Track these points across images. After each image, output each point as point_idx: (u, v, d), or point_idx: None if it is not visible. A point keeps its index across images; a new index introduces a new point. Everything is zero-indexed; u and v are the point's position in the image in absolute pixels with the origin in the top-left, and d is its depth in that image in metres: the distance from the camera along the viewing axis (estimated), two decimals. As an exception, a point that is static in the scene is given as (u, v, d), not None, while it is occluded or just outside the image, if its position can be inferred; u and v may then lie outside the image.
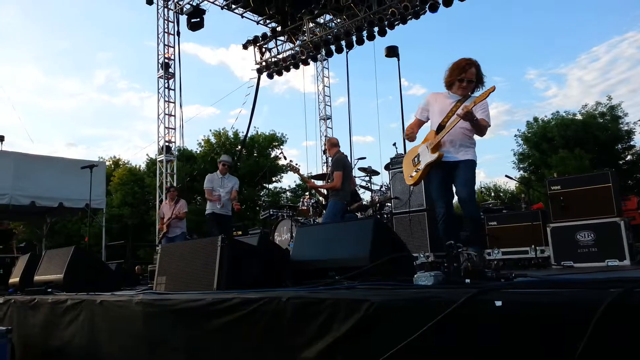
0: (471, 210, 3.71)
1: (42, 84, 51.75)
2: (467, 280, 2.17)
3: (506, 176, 18.28)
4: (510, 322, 1.63)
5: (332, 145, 6.54)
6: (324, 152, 6.78)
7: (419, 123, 4.01)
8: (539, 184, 20.80)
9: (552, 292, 1.66)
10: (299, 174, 7.30)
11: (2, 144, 12.81)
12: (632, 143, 25.01)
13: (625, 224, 5.57)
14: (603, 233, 5.61)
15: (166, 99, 14.01)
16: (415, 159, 3.90)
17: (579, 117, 25.86)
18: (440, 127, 3.74)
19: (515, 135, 27.64)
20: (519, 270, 5.68)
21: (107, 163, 29.35)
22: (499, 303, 1.69)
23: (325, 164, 6.86)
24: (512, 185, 30.56)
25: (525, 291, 1.73)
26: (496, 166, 57.02)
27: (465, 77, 3.71)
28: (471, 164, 3.75)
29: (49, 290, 4.40)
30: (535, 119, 27.33)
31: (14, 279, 5.32)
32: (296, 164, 6.78)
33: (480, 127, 3.68)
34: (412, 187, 4.14)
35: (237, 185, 7.79)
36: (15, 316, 4.27)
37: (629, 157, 25.22)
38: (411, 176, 3.90)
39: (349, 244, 2.77)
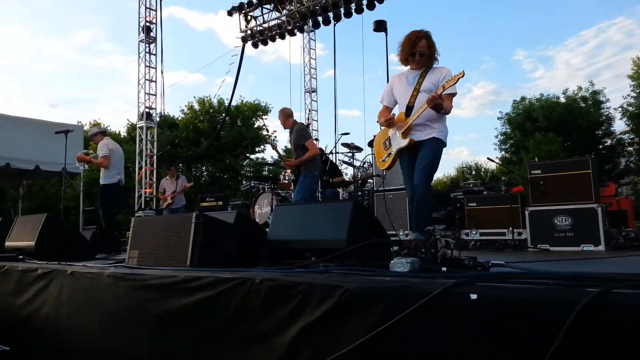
0: (419, 194, 3.48)
1: (26, 43, 50.14)
2: (444, 268, 2.14)
3: (488, 159, 18.36)
4: (484, 317, 1.60)
5: (287, 116, 6.20)
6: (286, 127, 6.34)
7: (388, 109, 3.86)
8: (517, 166, 21.04)
9: (527, 289, 1.63)
10: (277, 151, 7.17)
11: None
12: (612, 129, 25.39)
13: (602, 210, 5.65)
14: (580, 218, 5.69)
15: (147, 63, 13.62)
16: (386, 142, 3.78)
17: (562, 99, 26.02)
18: (409, 109, 3.63)
19: (499, 118, 27.81)
20: (495, 252, 5.74)
21: (86, 127, 28.67)
22: (474, 296, 1.66)
23: (290, 141, 6.53)
24: (493, 165, 30.87)
25: (501, 285, 1.70)
26: (479, 145, 57.53)
27: (416, 50, 3.58)
28: (434, 144, 3.55)
29: (20, 257, 4.31)
30: (523, 98, 27.43)
31: (-16, 244, 5.19)
32: (273, 140, 6.62)
33: (446, 111, 3.53)
34: (384, 171, 4.03)
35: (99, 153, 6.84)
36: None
37: (608, 142, 25.61)
38: (383, 160, 3.80)
39: (327, 225, 2.72)
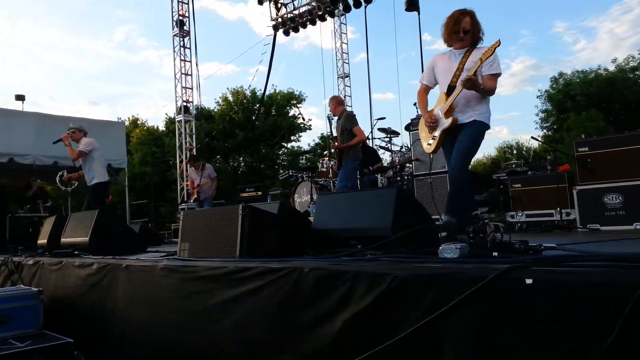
0: (454, 176, 3.48)
1: (65, 43, 51.94)
2: (495, 253, 2.11)
3: (532, 138, 17.71)
4: (540, 302, 1.57)
5: (339, 103, 6.54)
6: (329, 115, 6.53)
7: (426, 88, 3.83)
8: (560, 144, 20.34)
9: (585, 272, 1.59)
10: (331, 130, 6.99)
11: (23, 103, 12.92)
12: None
13: (656, 186, 5.42)
14: (632, 196, 5.47)
15: (182, 57, 13.85)
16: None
17: (605, 71, 24.81)
18: (450, 89, 3.56)
19: (538, 96, 26.95)
20: (543, 234, 5.60)
21: (127, 123, 29.45)
22: (529, 281, 1.63)
23: (330, 125, 6.69)
24: (535, 143, 29.96)
25: (556, 269, 1.66)
26: (520, 123, 55.90)
27: (460, 27, 3.52)
28: (475, 126, 3.49)
29: (76, 252, 4.50)
30: (561, 74, 26.44)
31: (42, 240, 5.45)
32: (330, 116, 6.59)
33: (488, 91, 3.46)
34: (431, 154, 3.99)
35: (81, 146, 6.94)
36: (43, 278, 4.39)
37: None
38: (429, 144, 3.75)
39: (372, 213, 2.72)
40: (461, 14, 3.55)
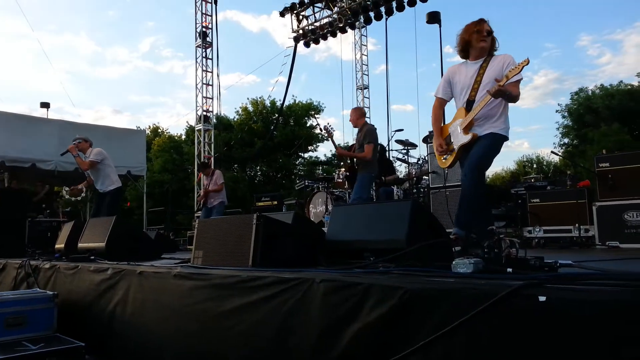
0: (465, 187, 3.43)
1: (93, 52, 53.17)
2: (509, 269, 2.07)
3: (552, 152, 17.48)
4: (553, 320, 1.54)
5: (361, 115, 6.42)
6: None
7: (442, 103, 3.76)
8: (580, 159, 20.07)
9: (601, 290, 1.56)
10: (332, 140, 6.83)
11: (47, 111, 13.22)
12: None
13: (678, 205, 5.30)
14: (653, 214, 5.36)
15: (204, 68, 14.05)
16: (447, 139, 3.67)
17: (630, 87, 24.46)
18: (469, 103, 3.50)
19: (557, 111, 26.69)
20: (560, 250, 5.51)
21: (148, 132, 29.89)
22: (542, 298, 1.60)
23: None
24: (556, 157, 29.57)
25: (571, 287, 1.63)
26: (541, 137, 55.32)
27: (482, 28, 3.46)
28: (490, 138, 3.41)
29: (92, 257, 4.56)
30: (581, 89, 26.23)
31: (60, 245, 5.53)
32: (331, 128, 6.58)
33: (514, 97, 3.39)
34: (446, 169, 3.92)
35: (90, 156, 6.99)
36: (59, 281, 4.44)
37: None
38: (444, 159, 3.71)
39: (386, 225, 2.70)
40: (479, 20, 3.54)
